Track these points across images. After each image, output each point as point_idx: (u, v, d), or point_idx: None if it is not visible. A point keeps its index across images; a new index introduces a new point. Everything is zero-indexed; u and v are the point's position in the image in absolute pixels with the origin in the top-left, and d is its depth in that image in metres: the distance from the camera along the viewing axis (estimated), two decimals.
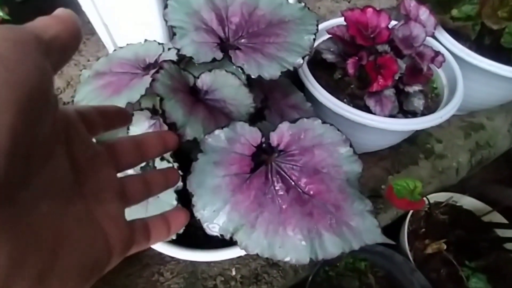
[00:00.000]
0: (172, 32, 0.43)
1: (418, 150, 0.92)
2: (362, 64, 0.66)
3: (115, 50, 0.52)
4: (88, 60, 0.70)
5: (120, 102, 0.40)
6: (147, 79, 0.42)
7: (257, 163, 0.38)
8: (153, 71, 0.44)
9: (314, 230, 0.38)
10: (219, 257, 0.47)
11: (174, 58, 0.43)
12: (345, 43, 0.70)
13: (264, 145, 0.39)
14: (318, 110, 0.67)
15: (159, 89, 0.37)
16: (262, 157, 0.39)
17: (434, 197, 0.85)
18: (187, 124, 0.38)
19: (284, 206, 0.38)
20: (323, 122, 0.39)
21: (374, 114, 0.65)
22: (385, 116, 0.65)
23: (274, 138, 0.39)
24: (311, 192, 0.38)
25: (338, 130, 0.39)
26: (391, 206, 0.81)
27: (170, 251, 0.46)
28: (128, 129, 0.46)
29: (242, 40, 0.48)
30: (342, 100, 0.68)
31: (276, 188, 0.38)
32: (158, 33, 0.66)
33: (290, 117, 0.56)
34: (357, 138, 0.74)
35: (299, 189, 0.38)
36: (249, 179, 0.38)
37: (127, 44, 0.52)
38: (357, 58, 0.66)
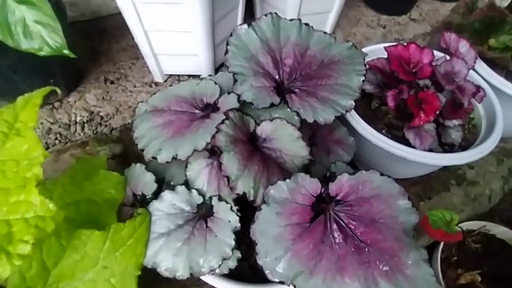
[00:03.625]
0: (233, 78, 0.45)
1: (450, 176, 0.91)
2: (403, 97, 0.67)
3: (171, 85, 0.55)
4: (135, 86, 0.73)
5: (185, 146, 0.43)
6: (209, 123, 0.44)
7: (316, 213, 0.40)
8: (215, 114, 0.46)
9: (370, 278, 0.39)
10: None
11: (234, 102, 0.45)
12: (385, 75, 0.71)
13: (323, 195, 0.40)
14: (356, 140, 0.68)
15: (220, 141, 0.39)
16: (321, 206, 0.40)
17: (466, 225, 0.84)
18: (240, 178, 0.40)
19: (341, 254, 0.39)
20: (381, 174, 0.40)
21: (414, 147, 0.66)
22: (424, 149, 0.66)
23: (333, 188, 0.40)
24: (368, 241, 0.40)
25: (396, 182, 0.40)
26: (424, 234, 0.81)
27: (224, 285, 0.48)
28: (186, 167, 0.48)
29: (297, 83, 0.50)
30: (379, 130, 0.69)
31: (335, 236, 0.40)
32: (204, 64, 0.68)
33: (335, 153, 0.57)
34: (394, 167, 0.75)
35: (356, 238, 0.40)
36: (309, 228, 0.39)
37: (181, 81, 0.54)
38: (397, 91, 0.67)
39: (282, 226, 0.39)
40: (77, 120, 0.67)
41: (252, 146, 0.43)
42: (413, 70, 0.67)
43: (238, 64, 0.47)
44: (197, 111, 0.49)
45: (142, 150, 0.47)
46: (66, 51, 0.52)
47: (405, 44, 0.66)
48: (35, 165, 0.34)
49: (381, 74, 0.72)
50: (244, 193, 0.39)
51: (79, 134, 0.67)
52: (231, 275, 0.51)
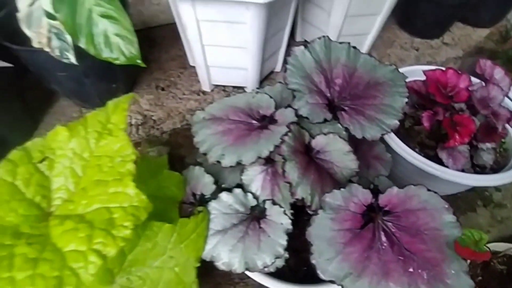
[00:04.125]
0: (292, 95, 0.50)
1: (477, 197, 0.93)
2: (438, 119, 0.70)
3: (228, 96, 0.60)
4: (184, 94, 0.79)
5: (249, 153, 0.47)
6: (270, 134, 0.49)
7: (366, 221, 0.44)
8: (273, 126, 0.51)
9: (414, 285, 0.42)
10: None
11: (292, 116, 0.50)
12: (420, 96, 0.75)
13: (373, 205, 0.44)
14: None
15: (284, 151, 0.44)
16: (370, 215, 0.44)
17: (492, 247, 0.86)
18: (299, 185, 0.44)
19: (387, 260, 0.43)
20: (428, 190, 0.44)
21: (446, 166, 0.69)
22: (457, 169, 0.69)
23: (383, 199, 0.44)
24: (413, 250, 0.43)
25: (442, 198, 0.43)
26: None
27: (270, 283, 0.52)
28: (242, 172, 0.53)
29: (346, 102, 0.54)
30: (413, 149, 0.72)
31: (382, 243, 0.43)
32: (251, 78, 0.73)
33: (374, 168, 0.61)
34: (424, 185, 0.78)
35: (402, 247, 0.43)
36: (359, 234, 0.43)
37: (237, 94, 0.60)
38: (432, 112, 0.71)
39: (335, 230, 0.43)
40: (133, 123, 0.73)
41: (308, 157, 0.48)
42: (450, 94, 0.70)
43: (295, 81, 0.52)
44: (254, 121, 0.54)
45: (205, 154, 0.52)
46: (139, 61, 0.58)
47: (443, 68, 0.70)
48: (128, 162, 0.39)
49: (417, 96, 0.76)
50: (302, 198, 0.43)
51: (134, 136, 0.73)
52: (273, 274, 0.55)
